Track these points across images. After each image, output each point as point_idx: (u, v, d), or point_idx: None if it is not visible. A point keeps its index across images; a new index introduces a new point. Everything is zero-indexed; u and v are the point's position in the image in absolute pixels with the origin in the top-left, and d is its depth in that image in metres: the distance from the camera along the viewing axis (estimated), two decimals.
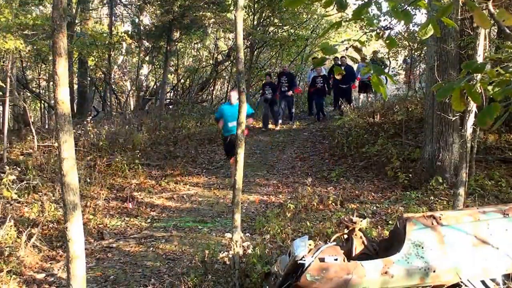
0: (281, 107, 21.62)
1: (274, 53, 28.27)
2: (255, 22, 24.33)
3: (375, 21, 15.16)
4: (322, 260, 6.33)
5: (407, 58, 22.24)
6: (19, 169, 12.70)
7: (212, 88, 29.70)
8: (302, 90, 25.53)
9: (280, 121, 21.74)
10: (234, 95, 13.38)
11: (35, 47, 17.93)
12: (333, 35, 26.42)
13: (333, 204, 11.74)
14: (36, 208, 11.45)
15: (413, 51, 19.83)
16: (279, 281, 6.69)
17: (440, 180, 11.88)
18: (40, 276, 9.09)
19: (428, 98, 12.99)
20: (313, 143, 18.23)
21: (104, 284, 8.91)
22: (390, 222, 10.28)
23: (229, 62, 26.78)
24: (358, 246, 6.93)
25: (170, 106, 25.66)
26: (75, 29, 21.74)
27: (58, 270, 9.24)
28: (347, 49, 4.30)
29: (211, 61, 28.61)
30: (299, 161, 16.54)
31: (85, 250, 5.68)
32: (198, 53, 29.91)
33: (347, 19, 4.54)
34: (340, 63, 21.16)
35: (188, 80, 28.24)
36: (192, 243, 10.55)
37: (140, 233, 11.48)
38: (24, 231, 9.84)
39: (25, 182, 12.36)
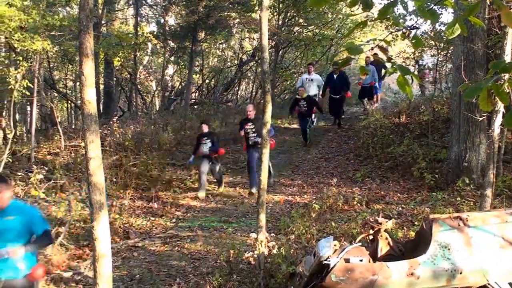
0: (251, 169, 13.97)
1: (299, 53, 28.19)
2: (280, 22, 24.29)
3: (401, 20, 15.06)
4: (347, 260, 6.31)
5: (420, 59, 21.74)
6: (46, 168, 12.81)
7: (237, 88, 29.72)
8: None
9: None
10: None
11: (62, 48, 18.06)
12: (358, 35, 26.24)
13: (358, 204, 11.69)
14: (63, 207, 11.53)
15: (439, 51, 19.65)
16: (304, 282, 6.68)
17: (467, 181, 11.77)
18: (67, 274, 9.17)
19: (455, 98, 12.87)
20: (338, 143, 18.17)
21: (130, 283, 8.96)
22: (416, 223, 10.21)
23: (254, 62, 26.75)
24: (383, 247, 6.90)
25: (195, 106, 25.70)
26: (101, 30, 21.87)
27: (85, 268, 9.31)
28: (372, 49, 4.28)
29: (236, 61, 28.62)
30: (324, 161, 16.49)
31: (111, 249, 5.71)
32: (223, 53, 29.95)
33: (373, 19, 4.52)
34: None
35: (213, 80, 28.32)
36: (217, 243, 10.57)
37: (165, 232, 11.53)
38: (51, 230, 9.92)
39: (52, 181, 12.47)
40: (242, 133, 14.28)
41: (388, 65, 4.10)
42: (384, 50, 4.22)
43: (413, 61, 21.35)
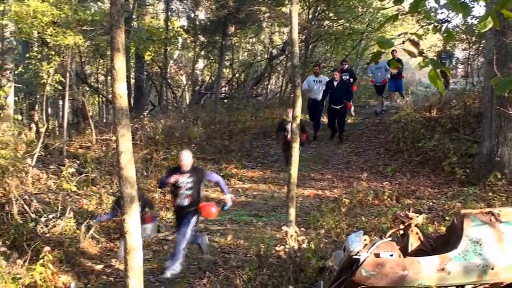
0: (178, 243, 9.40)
1: (329, 47, 28.08)
2: (310, 16, 24.21)
3: (432, 14, 14.91)
4: (377, 255, 6.29)
5: (442, 54, 21.18)
6: (78, 162, 12.95)
7: (267, 82, 29.66)
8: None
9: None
10: None
11: (93, 43, 18.18)
12: (389, 29, 26.04)
13: (389, 199, 11.64)
14: (95, 201, 11.67)
15: (470, 45, 19.41)
16: (333, 276, 6.67)
17: (499, 176, 11.63)
18: (99, 267, 9.28)
19: (487, 92, 12.74)
20: (368, 138, 18.06)
21: (160, 276, 9.01)
22: (447, 218, 10.14)
23: (284, 56, 26.66)
24: (414, 242, 6.86)
25: (225, 100, 25.72)
26: (132, 24, 21.92)
27: (116, 261, 9.39)
28: (403, 42, 4.25)
29: (266, 55, 28.57)
30: (354, 155, 16.42)
31: (142, 243, 5.76)
32: (253, 47, 29.89)
33: (404, 12, 4.49)
34: (339, 71, 18.27)
35: (243, 74, 28.25)
36: (247, 236, 10.60)
37: (196, 226, 11.58)
38: (83, 223, 10.04)
39: (83, 174, 12.61)
40: (172, 179, 9.51)
41: (417, 59, 4.07)
42: (415, 44, 4.19)
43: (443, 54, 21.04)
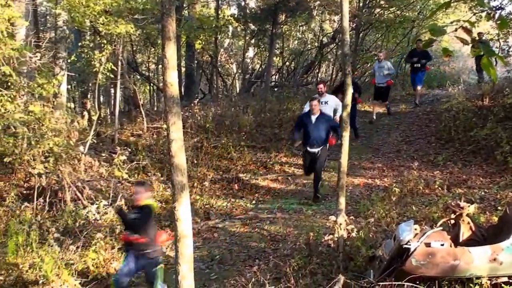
0: None
1: (380, 35, 27.81)
2: (361, 4, 24.02)
3: (485, 1, 14.66)
4: (428, 245, 6.27)
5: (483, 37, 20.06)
6: (129, 150, 13.13)
7: (317, 70, 29.53)
8: None
9: None
10: None
11: (144, 31, 18.32)
12: (440, 16, 25.63)
13: (440, 188, 11.52)
14: None
15: None
16: (383, 265, 6.67)
17: None
18: None
19: None
20: (419, 126, 17.83)
21: (210, 263, 9.12)
22: (499, 208, 9.99)
23: (334, 44, 26.49)
24: (465, 232, 6.80)
25: (275, 89, 25.66)
26: (183, 13, 22.03)
27: (167, 248, 9.50)
28: (456, 30, 4.21)
29: (316, 44, 28.41)
30: (405, 144, 16.24)
31: (192, 230, 5.82)
32: (303, 35, 29.77)
33: None
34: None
35: (293, 62, 28.18)
36: (297, 225, 10.62)
37: (245, 214, 11.65)
38: None
39: (135, 162, 12.77)
40: None
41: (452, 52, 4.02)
42: (468, 32, 4.15)
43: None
